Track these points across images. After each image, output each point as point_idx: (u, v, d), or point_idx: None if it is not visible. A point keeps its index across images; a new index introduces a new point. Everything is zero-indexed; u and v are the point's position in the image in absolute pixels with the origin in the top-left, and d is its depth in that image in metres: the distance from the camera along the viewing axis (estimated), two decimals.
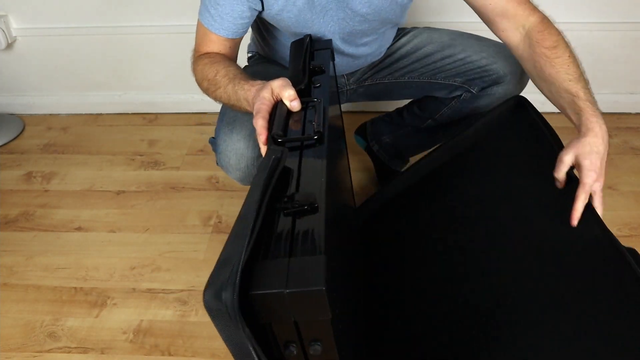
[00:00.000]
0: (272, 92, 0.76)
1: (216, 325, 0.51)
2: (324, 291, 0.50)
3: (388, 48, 1.14)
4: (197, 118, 1.84)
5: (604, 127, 0.85)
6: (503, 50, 1.06)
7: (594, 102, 0.89)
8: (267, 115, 0.74)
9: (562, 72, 0.92)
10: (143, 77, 1.85)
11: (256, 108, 0.75)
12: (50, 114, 1.91)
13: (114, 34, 1.76)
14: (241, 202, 1.55)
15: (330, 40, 0.99)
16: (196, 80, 0.96)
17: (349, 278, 0.75)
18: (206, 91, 0.94)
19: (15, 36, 1.77)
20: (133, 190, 1.50)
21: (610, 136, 1.74)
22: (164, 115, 1.88)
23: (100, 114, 1.90)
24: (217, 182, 1.51)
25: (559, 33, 0.95)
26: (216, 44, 0.97)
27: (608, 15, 1.64)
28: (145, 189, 1.50)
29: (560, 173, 0.85)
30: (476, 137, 1.02)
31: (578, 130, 0.87)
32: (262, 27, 1.09)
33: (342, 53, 1.05)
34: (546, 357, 0.69)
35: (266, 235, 0.58)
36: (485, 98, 1.10)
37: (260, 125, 0.73)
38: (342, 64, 1.09)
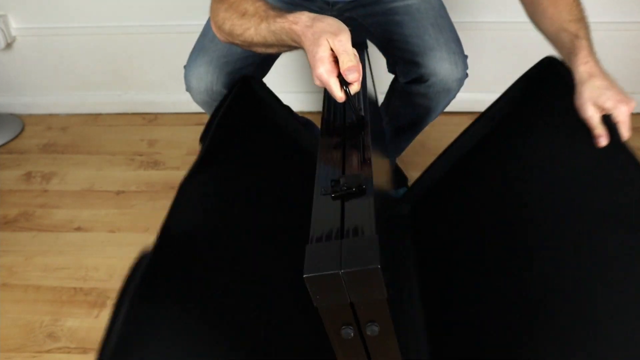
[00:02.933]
0: (328, 47, 0.67)
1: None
2: (379, 269, 0.50)
3: None
4: (197, 118, 1.84)
5: (599, 65, 0.87)
6: (449, 47, 1.00)
7: (591, 42, 0.90)
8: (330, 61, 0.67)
9: (564, 12, 0.92)
10: (143, 77, 1.84)
11: (318, 59, 0.67)
12: (50, 114, 1.91)
13: (114, 34, 1.76)
14: None
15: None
16: (215, 24, 0.87)
17: (393, 262, 0.75)
18: (229, 34, 0.83)
19: (15, 36, 1.77)
20: (133, 190, 1.50)
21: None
22: (164, 115, 1.87)
23: (100, 114, 1.90)
24: None
25: None
26: None
27: (608, 15, 1.64)
28: (145, 189, 1.50)
29: (598, 128, 0.82)
30: (512, 105, 0.97)
31: (576, 71, 0.86)
32: None
33: None
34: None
35: (316, 220, 0.58)
36: (415, 97, 1.06)
37: (326, 73, 0.67)
38: None
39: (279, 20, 0.74)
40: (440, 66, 0.99)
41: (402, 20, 1.05)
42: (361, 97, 0.76)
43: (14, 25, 1.75)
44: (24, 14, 1.74)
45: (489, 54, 1.68)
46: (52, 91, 1.89)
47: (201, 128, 1.87)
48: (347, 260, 0.52)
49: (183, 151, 1.66)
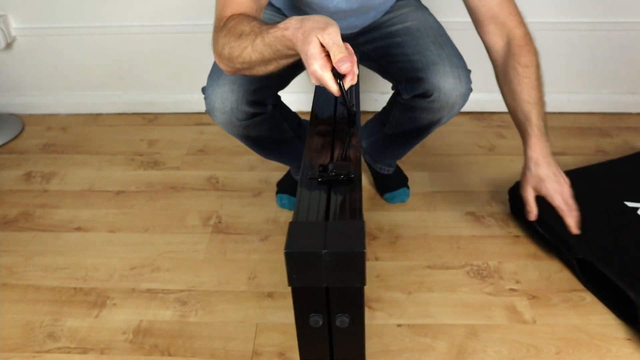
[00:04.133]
0: (318, 42, 0.68)
1: None
2: (364, 254, 0.50)
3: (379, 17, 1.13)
4: (196, 118, 1.84)
5: (545, 150, 1.07)
6: (452, 61, 1.01)
7: (541, 127, 1.05)
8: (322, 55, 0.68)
9: (524, 93, 1.03)
10: (143, 77, 1.84)
11: (310, 56, 0.68)
12: (50, 114, 1.91)
13: (114, 34, 1.76)
14: (241, 202, 1.56)
15: None
16: (215, 52, 0.86)
17: None
18: (229, 59, 0.82)
19: (15, 36, 1.77)
20: (133, 190, 1.50)
21: (610, 136, 1.76)
22: (164, 115, 1.87)
23: (100, 114, 1.90)
24: (217, 182, 1.51)
25: (535, 53, 1.03)
26: (241, 5, 0.87)
27: (608, 15, 1.64)
28: (145, 189, 1.50)
29: (532, 210, 1.13)
30: None
31: (524, 155, 1.09)
32: None
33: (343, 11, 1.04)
34: None
35: (301, 200, 0.58)
36: (419, 111, 1.06)
37: (319, 68, 0.67)
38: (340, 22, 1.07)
39: (271, 31, 0.74)
40: (443, 80, 0.99)
41: (402, 41, 1.06)
42: (354, 92, 0.76)
43: (14, 25, 1.75)
44: (24, 14, 1.74)
45: None
46: (52, 91, 1.89)
47: (201, 128, 1.89)
48: (332, 241, 0.51)
49: (183, 151, 1.66)
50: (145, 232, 1.34)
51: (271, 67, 0.80)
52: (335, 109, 0.76)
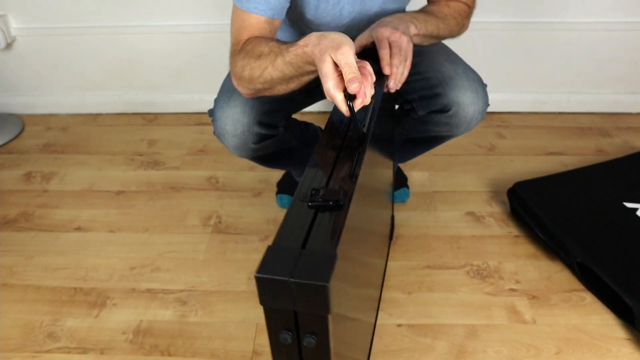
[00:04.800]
0: (331, 62, 0.69)
1: None
2: (327, 287, 0.51)
3: None
4: (196, 118, 1.84)
5: (403, 23, 0.90)
6: (468, 75, 1.00)
7: (416, 17, 0.94)
8: (335, 76, 0.69)
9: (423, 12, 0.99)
10: (143, 77, 1.84)
11: (324, 75, 0.69)
12: (50, 114, 1.91)
13: (114, 34, 1.76)
14: (241, 202, 1.56)
15: None
16: (234, 75, 0.87)
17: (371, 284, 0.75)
18: (249, 81, 0.84)
19: (15, 36, 1.77)
20: (133, 190, 1.50)
21: (610, 136, 1.76)
22: (164, 115, 1.87)
23: (100, 114, 1.90)
24: (217, 182, 1.51)
25: (465, 14, 1.04)
26: (256, 28, 0.88)
27: (608, 15, 1.64)
28: (145, 189, 1.50)
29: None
30: None
31: None
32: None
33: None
34: None
35: (286, 224, 0.59)
36: (435, 125, 1.05)
37: (332, 88, 0.69)
38: None
39: (291, 49, 0.75)
40: (462, 94, 0.98)
41: (415, 62, 1.05)
42: (369, 112, 0.75)
43: (14, 25, 1.75)
44: (24, 14, 1.74)
45: (491, 53, 1.68)
46: (52, 91, 1.89)
47: (201, 128, 1.89)
48: (300, 270, 0.52)
49: (183, 151, 1.66)
50: (145, 232, 1.34)
51: (292, 85, 0.81)
52: (349, 127, 0.76)
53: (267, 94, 0.85)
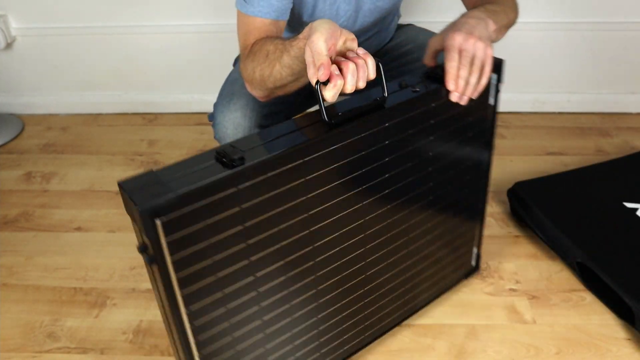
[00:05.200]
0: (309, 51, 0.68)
1: None
2: (139, 211, 0.57)
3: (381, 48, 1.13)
4: (197, 118, 1.84)
5: (480, 13, 0.82)
6: None
7: (490, 11, 0.86)
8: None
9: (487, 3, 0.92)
10: (143, 77, 1.84)
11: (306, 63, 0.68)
12: (50, 114, 1.91)
13: (114, 34, 1.76)
14: None
15: None
16: (247, 80, 0.87)
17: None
18: (261, 82, 0.83)
19: (15, 36, 1.77)
20: None
21: (610, 136, 1.76)
22: (164, 115, 1.88)
23: (100, 114, 1.90)
24: None
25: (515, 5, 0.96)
26: (263, 31, 0.89)
27: (608, 15, 1.64)
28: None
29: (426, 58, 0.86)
30: None
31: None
32: None
33: None
34: None
35: (185, 162, 0.66)
36: None
37: (311, 77, 0.67)
38: None
39: (294, 43, 0.74)
40: None
41: (417, 56, 1.04)
42: (350, 106, 0.74)
43: (14, 25, 1.76)
44: (24, 14, 1.74)
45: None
46: (52, 91, 1.90)
47: (201, 128, 1.89)
48: (141, 190, 0.60)
49: (183, 151, 1.66)
50: None
51: (304, 79, 0.79)
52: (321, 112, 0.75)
53: (280, 93, 0.84)
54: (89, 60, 1.82)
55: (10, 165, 1.64)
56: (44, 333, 1.08)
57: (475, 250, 1.10)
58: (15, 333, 1.08)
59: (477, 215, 1.05)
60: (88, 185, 1.53)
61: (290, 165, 0.68)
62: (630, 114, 1.79)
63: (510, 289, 1.14)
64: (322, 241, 0.78)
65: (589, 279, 1.13)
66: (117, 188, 1.50)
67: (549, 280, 1.16)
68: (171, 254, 0.62)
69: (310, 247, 0.77)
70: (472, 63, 0.76)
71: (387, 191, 0.83)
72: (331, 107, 0.72)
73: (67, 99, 1.90)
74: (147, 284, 1.19)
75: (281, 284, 0.76)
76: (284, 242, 0.73)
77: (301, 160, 0.69)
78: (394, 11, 1.10)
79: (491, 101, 0.91)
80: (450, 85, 0.78)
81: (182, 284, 0.64)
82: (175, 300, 0.65)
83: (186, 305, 0.66)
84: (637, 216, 1.21)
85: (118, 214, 1.41)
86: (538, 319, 1.07)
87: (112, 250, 1.29)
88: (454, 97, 0.79)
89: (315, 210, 0.74)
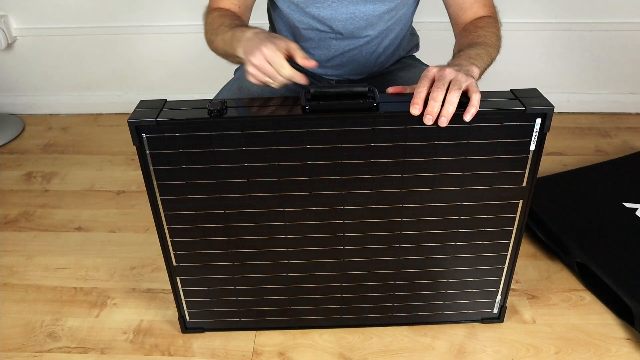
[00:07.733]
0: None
1: None
2: (133, 126, 0.77)
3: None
4: None
5: (462, 71, 0.79)
6: None
7: (472, 56, 0.85)
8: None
9: (471, 36, 0.94)
10: (143, 77, 1.85)
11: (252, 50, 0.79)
12: (50, 114, 1.91)
13: (114, 34, 1.76)
14: None
15: None
16: (204, 30, 0.99)
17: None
18: (209, 42, 0.97)
19: (16, 36, 1.78)
20: (133, 190, 1.50)
21: (609, 136, 1.75)
22: None
23: (100, 114, 1.90)
24: None
25: (496, 24, 0.99)
26: (227, 1, 0.99)
27: (608, 15, 1.64)
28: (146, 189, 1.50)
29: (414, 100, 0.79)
30: None
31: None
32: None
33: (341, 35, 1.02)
34: None
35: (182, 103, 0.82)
36: None
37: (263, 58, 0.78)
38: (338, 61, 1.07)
39: (230, 31, 0.88)
40: None
41: (407, 74, 1.06)
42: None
43: (15, 25, 1.76)
44: (25, 14, 1.74)
45: None
46: (52, 91, 1.90)
47: None
48: (143, 111, 0.79)
49: None
50: (145, 232, 1.34)
51: (235, 61, 0.91)
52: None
53: (228, 60, 0.94)
54: (90, 61, 1.82)
55: (10, 165, 1.64)
56: (44, 333, 1.08)
57: (499, 298, 1.02)
58: (16, 333, 1.09)
59: (501, 261, 0.97)
60: (88, 185, 1.53)
61: (260, 131, 0.79)
62: (630, 114, 1.79)
63: (510, 289, 1.14)
64: (291, 209, 0.87)
65: (588, 278, 1.13)
66: (117, 188, 1.51)
67: (549, 280, 1.16)
68: (153, 165, 0.82)
69: (279, 209, 0.88)
70: (448, 87, 0.74)
71: (377, 190, 0.86)
72: (318, 96, 0.78)
73: (68, 99, 1.90)
74: (148, 284, 1.19)
75: (251, 228, 0.90)
76: (255, 194, 0.85)
77: (272, 131, 0.79)
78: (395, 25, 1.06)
79: (532, 147, 0.83)
80: (412, 109, 0.74)
81: (161, 191, 0.85)
82: (157, 203, 0.86)
83: (165, 209, 0.87)
84: (636, 216, 1.21)
85: (118, 214, 1.41)
86: (538, 319, 1.07)
87: (112, 250, 1.29)
88: (425, 119, 0.75)
89: (286, 179, 0.84)
